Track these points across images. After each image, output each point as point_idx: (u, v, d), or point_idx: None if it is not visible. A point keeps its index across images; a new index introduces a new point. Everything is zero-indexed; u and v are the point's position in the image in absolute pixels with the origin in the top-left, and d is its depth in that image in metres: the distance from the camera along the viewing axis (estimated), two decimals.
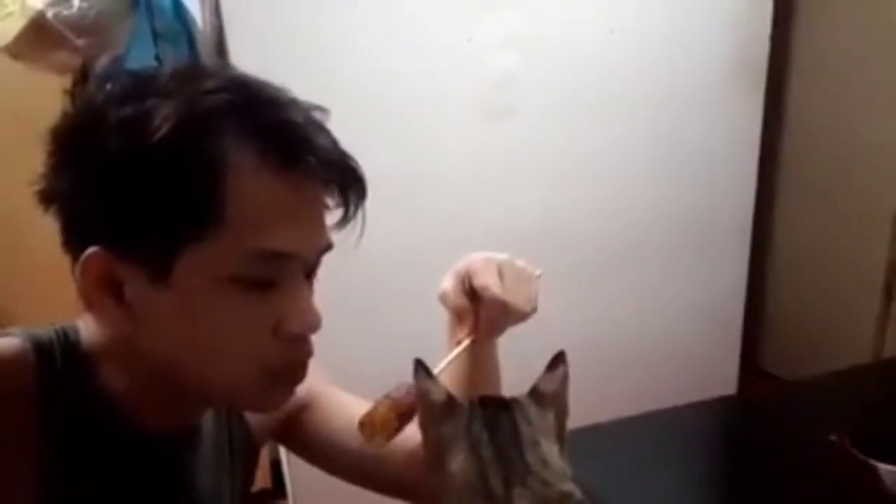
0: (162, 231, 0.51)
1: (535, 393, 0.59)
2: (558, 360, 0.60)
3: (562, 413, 0.59)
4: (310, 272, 0.58)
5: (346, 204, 0.58)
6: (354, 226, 0.59)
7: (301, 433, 0.80)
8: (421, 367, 0.60)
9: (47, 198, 0.54)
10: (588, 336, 1.73)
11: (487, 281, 0.69)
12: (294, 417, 0.79)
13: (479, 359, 0.78)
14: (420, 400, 0.59)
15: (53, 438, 0.56)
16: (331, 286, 0.61)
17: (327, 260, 0.60)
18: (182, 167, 0.50)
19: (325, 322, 0.58)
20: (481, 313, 0.70)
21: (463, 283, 0.73)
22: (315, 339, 0.60)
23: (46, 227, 0.56)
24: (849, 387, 1.14)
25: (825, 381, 1.25)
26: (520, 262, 0.73)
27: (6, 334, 0.58)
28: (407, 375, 0.60)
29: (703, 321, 1.89)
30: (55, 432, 0.56)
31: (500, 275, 0.70)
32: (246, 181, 0.51)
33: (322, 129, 0.56)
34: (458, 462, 0.54)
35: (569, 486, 0.53)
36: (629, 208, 1.74)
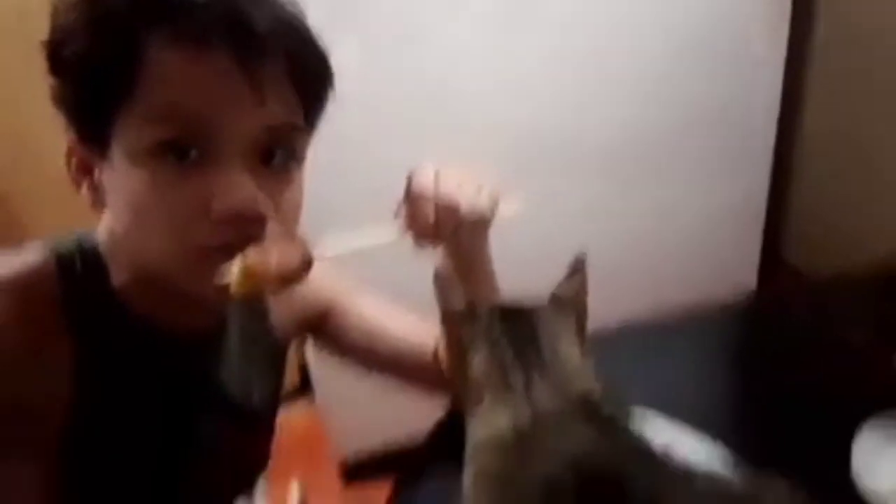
0: (88, 101, 0.52)
1: (554, 297, 0.59)
2: (578, 264, 0.61)
3: (581, 316, 0.59)
4: (262, 154, 0.55)
5: (298, 86, 0.55)
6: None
7: (326, 336, 0.82)
8: (439, 276, 0.61)
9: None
10: (608, 235, 1.73)
11: (420, 182, 0.66)
12: (318, 321, 0.81)
13: (463, 272, 0.76)
14: (440, 306, 0.59)
15: (82, 342, 0.58)
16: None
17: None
18: (101, 39, 0.50)
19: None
20: (416, 214, 0.66)
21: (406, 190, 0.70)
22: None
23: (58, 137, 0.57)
24: (871, 281, 1.14)
25: (846, 275, 1.25)
26: (466, 168, 0.69)
27: (27, 247, 0.60)
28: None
29: (726, 214, 1.86)
30: (83, 336, 0.58)
31: (437, 176, 0.66)
32: (159, 49, 0.50)
33: (265, 5, 0.53)
34: (478, 362, 0.55)
35: (589, 385, 0.54)
36: (650, 102, 1.68)
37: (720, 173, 1.83)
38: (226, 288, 0.54)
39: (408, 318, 0.85)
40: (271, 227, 0.56)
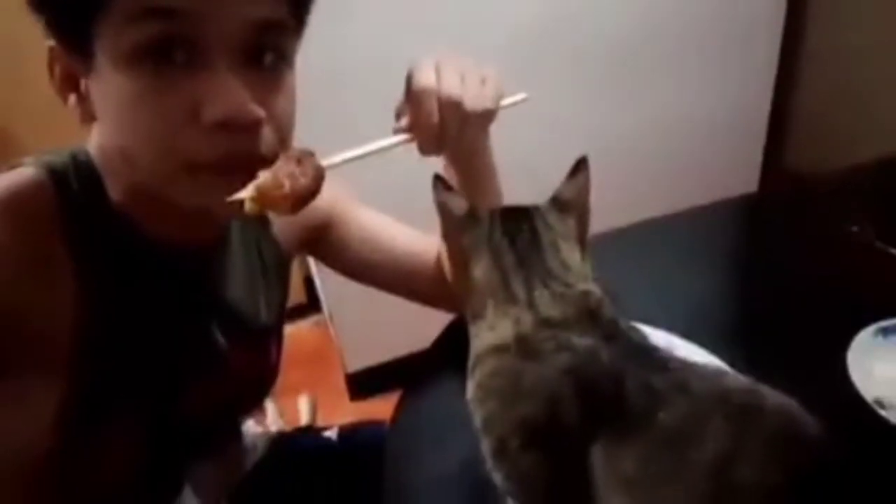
0: (68, 7, 0.49)
1: (555, 200, 0.59)
2: (580, 166, 0.60)
3: (583, 218, 0.59)
4: (251, 55, 0.52)
5: None
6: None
7: (327, 248, 0.82)
8: (439, 182, 0.59)
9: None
10: (609, 137, 1.70)
11: (421, 77, 0.62)
12: (319, 233, 0.81)
13: (462, 177, 0.75)
14: (441, 213, 0.59)
15: (83, 257, 0.57)
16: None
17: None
18: None
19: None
20: (419, 111, 0.63)
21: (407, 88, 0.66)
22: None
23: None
24: (873, 180, 1.12)
25: (848, 174, 1.23)
26: (468, 60, 0.65)
27: (20, 164, 0.59)
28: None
29: (727, 114, 1.83)
30: (84, 251, 0.57)
31: (439, 72, 0.63)
32: None
33: None
34: (480, 269, 0.55)
35: (588, 286, 0.55)
36: (654, 5, 1.62)
37: (723, 79, 1.78)
38: (237, 206, 0.52)
39: (408, 229, 0.85)
40: (270, 147, 0.54)
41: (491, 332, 0.53)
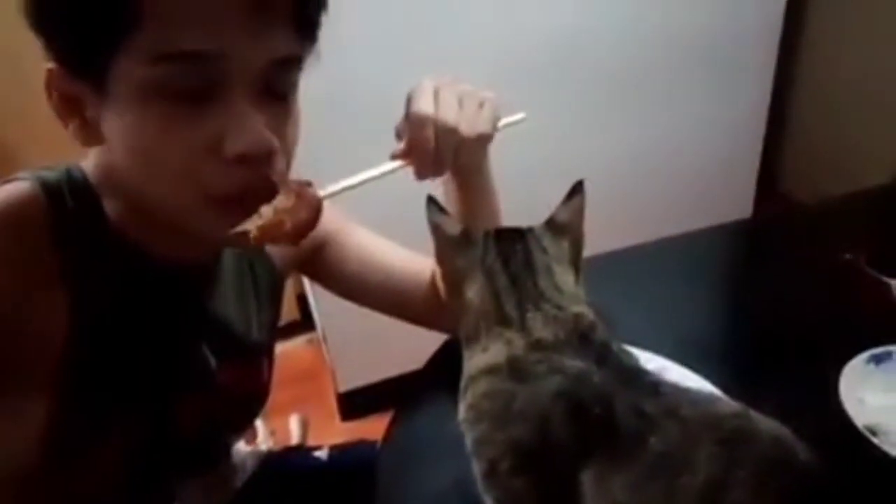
0: (87, 38, 0.49)
1: (550, 222, 0.59)
2: (576, 189, 0.60)
3: (577, 241, 0.59)
4: (267, 88, 0.53)
5: (297, 10, 0.53)
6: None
7: (322, 269, 0.82)
8: (432, 203, 0.60)
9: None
10: (604, 161, 1.72)
11: (419, 103, 0.63)
12: (314, 254, 0.81)
13: (461, 197, 0.76)
14: (434, 234, 0.59)
15: (76, 272, 0.57)
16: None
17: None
18: None
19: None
20: (416, 137, 0.63)
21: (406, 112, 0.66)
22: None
23: None
24: (866, 208, 1.13)
25: (842, 201, 1.24)
26: (465, 86, 0.66)
27: (15, 178, 0.58)
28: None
29: (722, 141, 1.85)
30: (76, 266, 0.57)
31: (437, 97, 0.64)
32: None
33: None
34: (473, 290, 0.56)
35: (581, 308, 0.55)
36: (647, 19, 1.63)
37: (718, 102, 1.80)
38: (243, 237, 0.53)
39: (402, 249, 0.85)
40: (280, 174, 0.55)
41: (483, 353, 0.53)
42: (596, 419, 0.47)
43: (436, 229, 0.59)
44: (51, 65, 0.52)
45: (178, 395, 0.67)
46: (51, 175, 0.59)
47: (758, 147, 1.92)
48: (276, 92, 0.54)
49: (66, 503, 0.62)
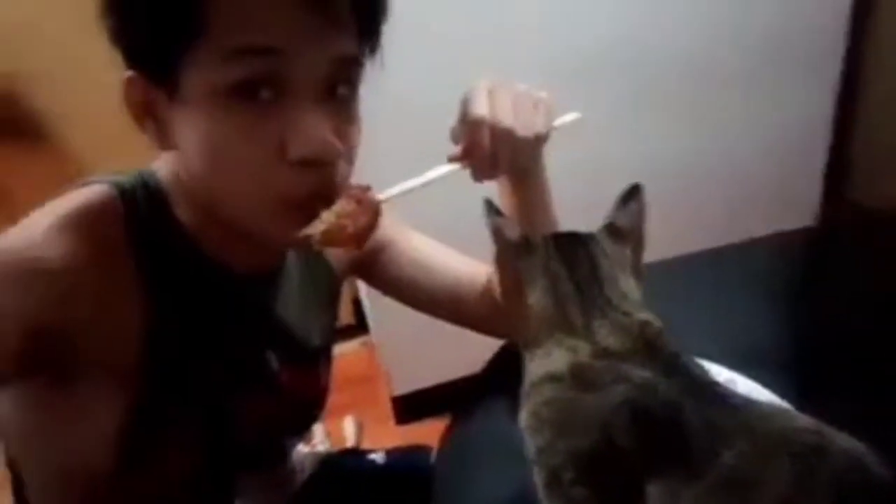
0: (158, 42, 0.51)
1: (611, 227, 0.58)
2: (633, 193, 0.59)
3: (638, 247, 0.58)
4: (329, 90, 0.54)
5: (360, 14, 0.54)
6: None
7: (378, 273, 0.83)
8: (490, 207, 0.60)
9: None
10: (660, 162, 1.68)
11: (474, 106, 0.63)
12: (370, 258, 0.82)
13: (517, 198, 0.76)
14: (494, 238, 0.59)
15: (149, 274, 0.59)
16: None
17: None
18: None
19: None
20: (472, 140, 0.63)
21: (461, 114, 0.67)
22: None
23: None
24: None
25: None
26: (520, 87, 0.66)
27: (91, 182, 0.61)
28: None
29: (787, 144, 1.79)
30: (150, 268, 0.59)
31: (492, 99, 0.64)
32: None
33: None
34: (536, 297, 0.55)
35: (647, 315, 0.54)
36: (709, 18, 1.59)
37: (782, 103, 1.75)
38: (306, 241, 0.55)
39: (456, 253, 0.85)
40: (343, 178, 0.57)
41: (546, 359, 0.52)
42: (663, 431, 0.46)
43: (496, 233, 0.58)
44: (128, 73, 0.54)
45: (241, 397, 0.69)
46: (125, 179, 0.61)
47: (823, 151, 1.85)
48: (339, 95, 0.55)
49: (133, 501, 0.65)
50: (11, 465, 0.69)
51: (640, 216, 0.58)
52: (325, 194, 0.55)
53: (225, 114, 0.51)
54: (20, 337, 0.51)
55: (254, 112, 0.52)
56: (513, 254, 0.57)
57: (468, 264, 0.83)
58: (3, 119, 1.74)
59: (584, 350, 0.51)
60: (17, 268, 0.53)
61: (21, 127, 1.76)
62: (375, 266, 0.83)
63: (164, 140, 0.56)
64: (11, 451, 0.66)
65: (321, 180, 0.55)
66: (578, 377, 0.50)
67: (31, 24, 1.64)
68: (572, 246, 0.56)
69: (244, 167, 0.53)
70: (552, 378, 0.51)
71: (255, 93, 0.51)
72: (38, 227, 0.55)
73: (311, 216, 0.55)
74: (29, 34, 1.65)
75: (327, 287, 0.80)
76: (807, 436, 0.45)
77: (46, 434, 0.61)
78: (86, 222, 0.57)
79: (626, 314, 0.53)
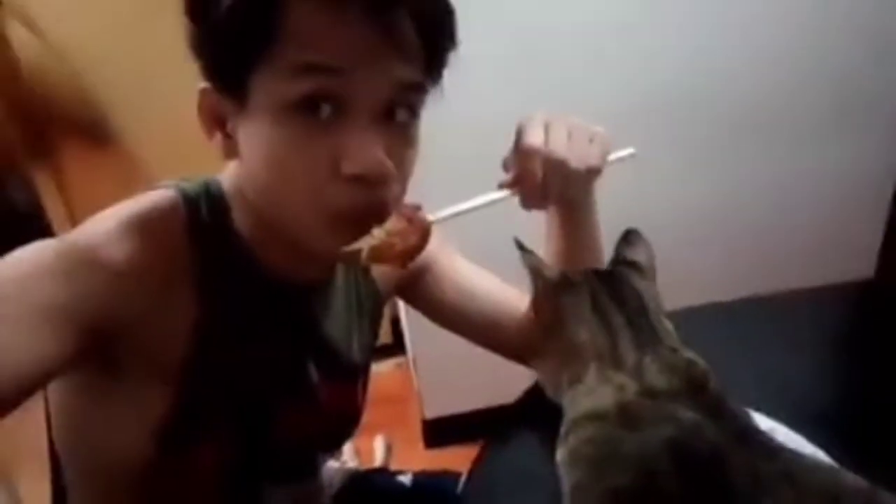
0: (231, 53, 0.53)
1: (635, 265, 0.57)
2: (634, 235, 0.59)
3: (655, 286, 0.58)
4: (387, 112, 0.56)
5: (426, 42, 0.55)
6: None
7: (420, 294, 0.84)
8: (522, 248, 0.59)
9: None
10: (716, 203, 1.66)
11: (529, 135, 0.63)
12: (414, 279, 0.82)
13: (565, 230, 0.76)
14: (533, 277, 0.58)
15: (205, 278, 0.61)
16: None
17: None
18: None
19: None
20: (524, 168, 0.63)
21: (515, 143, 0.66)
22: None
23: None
24: None
25: None
26: (576, 119, 0.66)
27: (160, 186, 0.64)
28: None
29: (848, 192, 1.74)
30: (205, 273, 0.61)
31: (547, 130, 0.63)
32: (302, 4, 0.51)
33: None
34: (585, 332, 0.54)
35: (692, 354, 0.53)
36: (777, 58, 1.57)
37: (846, 149, 1.71)
38: (354, 255, 0.56)
39: (498, 281, 0.85)
40: (395, 198, 0.58)
41: (588, 397, 0.52)
42: (707, 474, 0.45)
43: (534, 270, 0.58)
44: (203, 84, 0.57)
45: (280, 406, 0.69)
46: (190, 186, 0.63)
47: (886, 201, 1.79)
48: (397, 118, 0.57)
49: (166, 501, 0.66)
50: (53, 453, 0.71)
51: (652, 257, 0.58)
52: (376, 212, 0.57)
53: (286, 127, 0.53)
54: (75, 330, 0.53)
55: (313, 127, 0.53)
56: (553, 291, 0.56)
57: (509, 292, 0.83)
58: (77, 121, 1.83)
59: (631, 388, 0.50)
60: (79, 263, 0.55)
61: (93, 131, 1.84)
62: (418, 286, 0.83)
63: (229, 149, 0.59)
64: (57, 437, 0.68)
65: (372, 198, 0.56)
66: (624, 415, 0.49)
67: (110, 32, 1.72)
68: (616, 282, 0.56)
69: (300, 179, 0.55)
70: (596, 416, 0.50)
71: (317, 109, 0.53)
72: (105, 227, 0.58)
73: (361, 232, 0.56)
74: (109, 42, 1.73)
75: (372, 305, 0.81)
76: (859, 496, 0.43)
77: (91, 422, 0.63)
78: (149, 226, 0.59)
79: (673, 350, 0.52)
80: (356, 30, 0.51)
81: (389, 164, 0.55)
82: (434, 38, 0.56)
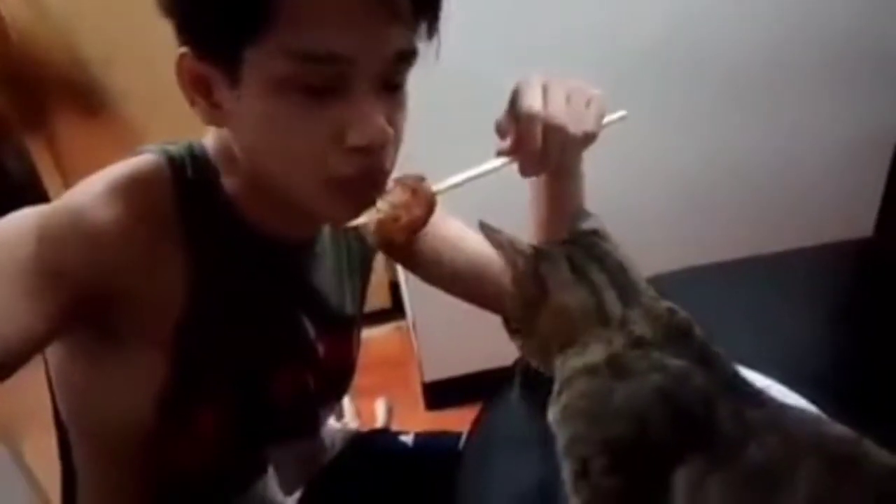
0: (221, 29, 0.52)
1: (595, 233, 0.59)
2: (583, 211, 0.62)
3: None
4: (386, 81, 0.56)
5: (420, 5, 0.54)
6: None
7: (413, 253, 0.83)
8: (486, 227, 0.59)
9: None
10: (715, 164, 1.65)
11: (527, 100, 0.62)
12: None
13: (553, 194, 0.76)
14: (507, 254, 0.57)
15: (195, 243, 0.61)
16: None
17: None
18: None
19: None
20: (524, 135, 0.62)
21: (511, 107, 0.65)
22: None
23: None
24: None
25: None
26: (573, 81, 0.65)
27: (143, 151, 0.63)
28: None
29: (847, 153, 1.74)
30: (195, 234, 0.61)
31: (546, 93, 0.62)
32: None
33: None
34: (569, 296, 0.54)
35: (668, 303, 0.54)
36: (777, 16, 1.55)
37: (846, 111, 1.69)
38: (361, 229, 0.57)
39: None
40: (391, 163, 0.58)
41: (579, 356, 0.52)
42: (696, 419, 0.46)
43: (508, 246, 0.57)
44: (183, 49, 0.55)
45: (278, 362, 0.70)
46: (174, 149, 0.63)
47: (885, 162, 1.78)
48: (392, 84, 0.56)
49: (171, 463, 0.67)
50: (60, 427, 0.72)
51: (604, 226, 0.60)
52: (377, 178, 0.58)
53: (285, 100, 0.53)
54: (67, 292, 0.53)
55: (314, 100, 0.53)
56: (531, 262, 0.56)
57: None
58: (71, 88, 1.80)
59: (619, 341, 0.51)
60: (68, 227, 0.55)
61: (87, 97, 1.81)
62: (403, 248, 0.83)
63: (214, 116, 0.58)
64: (58, 399, 0.69)
65: (373, 164, 0.56)
66: (614, 367, 0.50)
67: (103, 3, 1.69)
68: (587, 245, 0.56)
69: (301, 150, 0.55)
70: (587, 371, 0.51)
71: (319, 86, 0.53)
72: (91, 191, 0.58)
73: (362, 198, 0.57)
74: (101, 10, 1.70)
75: (360, 255, 0.81)
76: (843, 445, 0.44)
77: (90, 387, 0.64)
78: (135, 188, 0.59)
79: (653, 299, 0.53)
80: (357, 12, 0.51)
81: (391, 131, 0.56)
82: (426, 5, 0.55)
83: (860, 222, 1.82)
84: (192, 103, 0.58)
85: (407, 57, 0.56)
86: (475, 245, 0.83)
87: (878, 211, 1.83)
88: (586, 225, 0.60)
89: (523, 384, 0.80)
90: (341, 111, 0.54)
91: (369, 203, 0.57)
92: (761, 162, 1.71)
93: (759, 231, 1.49)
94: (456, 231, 0.84)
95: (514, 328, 0.59)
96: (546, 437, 0.53)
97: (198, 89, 0.57)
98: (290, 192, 0.58)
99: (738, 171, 1.69)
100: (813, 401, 0.69)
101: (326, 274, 0.75)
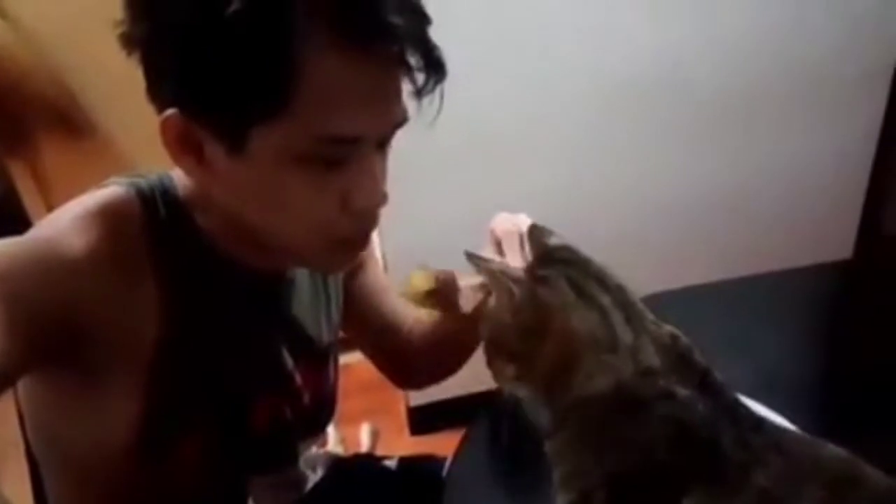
0: (234, 109, 0.51)
1: (569, 249, 0.59)
2: (538, 228, 0.62)
3: None
4: (382, 143, 0.59)
5: (422, 84, 0.55)
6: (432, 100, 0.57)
7: (351, 284, 0.84)
8: (473, 256, 0.58)
9: (128, 43, 0.54)
10: (695, 188, 1.67)
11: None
12: (354, 270, 0.83)
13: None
14: (499, 282, 0.55)
15: (166, 273, 0.60)
16: None
17: None
18: (253, 46, 0.49)
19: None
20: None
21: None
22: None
23: None
24: None
25: None
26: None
27: (110, 183, 0.62)
28: None
29: (826, 177, 1.77)
30: (167, 267, 0.60)
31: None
32: (317, 61, 0.50)
33: (404, 6, 0.52)
34: (576, 319, 0.52)
35: (670, 327, 0.53)
36: (755, 45, 1.58)
37: (824, 136, 1.73)
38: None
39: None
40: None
41: (585, 386, 0.51)
42: (702, 448, 0.46)
43: (503, 276, 0.54)
44: (170, 112, 0.53)
45: (257, 394, 0.69)
46: (144, 183, 0.62)
47: (863, 186, 1.82)
48: (386, 143, 0.59)
49: (150, 495, 0.65)
50: (31, 460, 0.70)
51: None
52: (370, 232, 0.63)
53: (299, 172, 0.54)
54: (33, 322, 0.52)
55: (322, 174, 0.55)
56: (528, 288, 0.54)
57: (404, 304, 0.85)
58: (53, 110, 1.79)
59: (628, 369, 0.50)
60: (37, 256, 0.54)
61: (70, 120, 1.80)
62: (356, 276, 0.84)
63: (203, 173, 0.56)
64: (35, 441, 0.67)
65: (371, 223, 0.61)
66: (622, 398, 0.49)
67: (87, 17, 1.68)
68: (581, 264, 0.56)
69: (308, 215, 0.57)
70: (595, 401, 0.50)
71: (328, 162, 0.55)
72: (61, 221, 0.57)
73: (360, 251, 0.64)
74: (85, 27, 1.69)
75: (335, 289, 0.81)
76: (842, 465, 0.44)
77: (64, 421, 0.62)
78: (104, 221, 0.58)
79: (656, 324, 0.52)
80: (374, 81, 0.53)
81: (386, 190, 0.59)
82: (429, 84, 0.56)
83: (840, 245, 1.85)
84: (178, 162, 0.57)
85: (405, 123, 0.59)
86: (397, 300, 0.87)
87: (857, 233, 1.86)
88: (553, 241, 0.59)
89: (507, 408, 0.79)
90: (347, 178, 0.56)
91: (361, 250, 0.63)
92: (740, 186, 1.73)
93: (738, 254, 1.50)
94: (384, 282, 0.88)
95: (496, 357, 0.57)
96: (531, 461, 0.53)
97: (186, 149, 0.55)
98: (282, 244, 0.59)
99: (718, 196, 1.71)
100: (793, 422, 0.69)
101: (303, 303, 0.74)
